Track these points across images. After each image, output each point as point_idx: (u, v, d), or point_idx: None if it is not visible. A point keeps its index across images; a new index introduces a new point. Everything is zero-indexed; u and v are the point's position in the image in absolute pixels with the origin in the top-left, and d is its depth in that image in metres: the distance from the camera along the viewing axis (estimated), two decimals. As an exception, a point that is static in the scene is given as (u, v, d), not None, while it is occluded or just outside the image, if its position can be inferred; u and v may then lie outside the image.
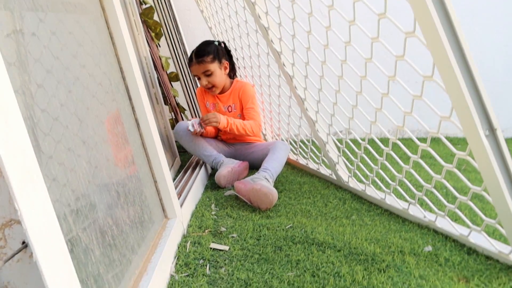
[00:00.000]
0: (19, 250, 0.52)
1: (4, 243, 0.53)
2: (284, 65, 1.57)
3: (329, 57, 1.25)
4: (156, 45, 2.57)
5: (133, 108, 1.17)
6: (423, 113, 1.14)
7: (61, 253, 0.52)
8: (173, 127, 2.46)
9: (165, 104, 2.40)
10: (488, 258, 1.00)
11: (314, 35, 1.25)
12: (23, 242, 0.53)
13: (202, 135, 1.96)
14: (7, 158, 0.46)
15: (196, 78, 2.00)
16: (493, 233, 1.14)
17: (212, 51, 1.89)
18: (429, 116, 1.35)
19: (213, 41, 1.95)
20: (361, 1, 0.92)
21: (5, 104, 0.48)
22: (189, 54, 2.65)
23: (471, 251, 1.05)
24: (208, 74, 1.90)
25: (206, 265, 1.01)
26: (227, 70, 1.97)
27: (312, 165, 1.92)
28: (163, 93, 2.40)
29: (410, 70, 0.98)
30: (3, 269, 0.53)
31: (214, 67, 1.90)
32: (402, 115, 1.06)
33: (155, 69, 2.31)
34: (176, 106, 2.55)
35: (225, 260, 1.04)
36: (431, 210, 1.30)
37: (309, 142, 1.88)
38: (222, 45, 1.98)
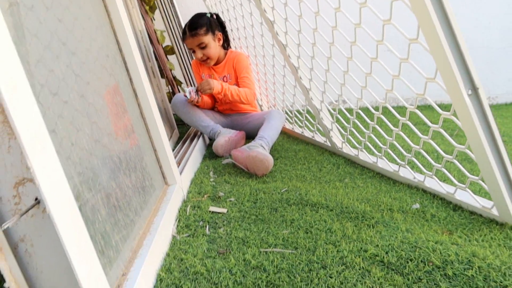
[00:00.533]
0: (33, 206, 0.57)
1: (18, 200, 0.58)
2: (277, 34, 1.59)
3: (320, 24, 1.27)
4: (151, 19, 2.56)
5: (130, 79, 1.20)
6: (410, 79, 1.17)
7: (71, 207, 0.57)
8: (170, 100, 2.49)
9: (161, 77, 2.42)
10: (472, 213, 1.06)
11: (305, 2, 1.27)
12: (36, 199, 0.58)
13: (199, 106, 1.99)
14: (19, 122, 0.50)
15: (191, 51, 2.01)
16: (478, 191, 1.19)
17: (205, 23, 1.90)
18: (417, 81, 1.38)
19: (206, 14, 1.96)
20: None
21: (13, 73, 0.52)
22: (183, 26, 2.65)
23: (457, 207, 1.11)
24: (202, 46, 1.92)
25: (205, 226, 1.07)
26: (221, 42, 1.99)
27: (307, 133, 1.96)
28: (159, 67, 2.42)
29: (396, 36, 1.01)
30: (19, 224, 0.58)
31: (208, 39, 1.91)
32: (391, 80, 1.09)
33: (150, 43, 2.32)
34: (172, 79, 2.57)
35: (223, 222, 1.09)
36: (421, 172, 1.35)
37: (303, 110, 1.91)
38: (215, 16, 1.98)
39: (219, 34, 1.97)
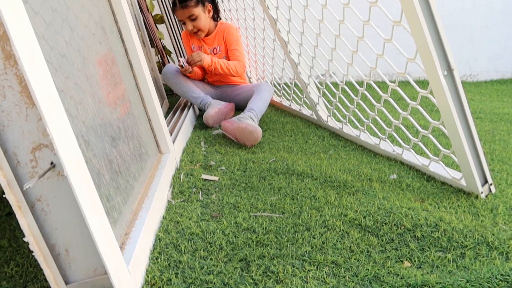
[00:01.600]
0: (49, 169, 0.63)
1: (35, 164, 0.64)
2: (268, 8, 1.62)
3: (311, 2, 1.32)
4: (140, -14, 2.54)
5: (126, 50, 1.24)
6: (394, 57, 1.24)
7: (83, 171, 0.63)
8: (160, 70, 2.51)
9: (151, 47, 2.43)
10: (443, 183, 1.17)
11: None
12: (51, 162, 0.64)
13: (189, 77, 2.03)
14: (38, 92, 0.56)
15: (181, 23, 2.03)
16: (451, 164, 1.30)
17: None
18: (401, 59, 1.45)
19: None
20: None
21: (31, 44, 0.57)
22: (173, -4, 2.64)
23: (430, 178, 1.21)
24: (193, 18, 1.94)
25: (198, 193, 1.15)
26: (211, 13, 2.02)
27: (295, 106, 2.03)
28: (149, 36, 2.42)
29: (382, 18, 1.07)
30: (36, 186, 0.65)
31: (198, 11, 1.93)
32: (376, 57, 1.16)
33: (140, 12, 2.32)
34: (162, 49, 2.58)
35: (215, 188, 1.17)
36: (400, 145, 1.45)
37: (292, 84, 1.98)
38: None
39: (209, 6, 1.99)
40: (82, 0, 0.96)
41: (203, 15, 1.96)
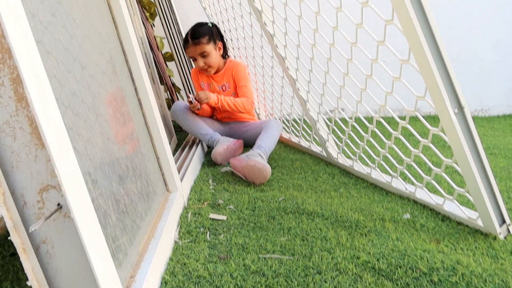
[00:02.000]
0: (56, 211, 0.64)
1: (42, 205, 0.64)
2: (277, 46, 1.67)
3: (318, 40, 1.35)
4: (151, 25, 2.64)
5: (136, 89, 1.27)
6: (404, 93, 1.26)
7: (90, 212, 0.63)
8: (169, 106, 2.56)
9: (160, 84, 2.49)
10: (459, 223, 1.14)
11: (304, 19, 1.35)
12: (58, 204, 0.64)
13: (198, 114, 2.07)
14: (48, 135, 0.57)
15: (191, 60, 2.09)
16: (466, 203, 1.27)
17: (207, 33, 1.98)
18: (409, 96, 1.47)
19: (207, 23, 2.04)
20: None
21: (43, 87, 0.59)
22: (183, 34, 2.72)
23: (445, 218, 1.18)
24: (204, 55, 2.00)
25: (206, 233, 1.14)
26: (221, 51, 2.07)
27: (304, 143, 2.04)
28: (158, 73, 2.49)
29: (391, 54, 1.09)
30: (42, 227, 0.65)
31: (209, 48, 1.99)
32: (385, 95, 1.17)
33: (150, 49, 2.39)
34: (171, 86, 2.64)
35: (223, 228, 1.16)
36: (412, 183, 1.43)
37: (300, 121, 1.99)
38: (214, 27, 2.07)
39: (219, 43, 2.05)
40: (93, 39, 0.99)
41: (214, 52, 2.02)
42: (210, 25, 2.04)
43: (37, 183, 0.64)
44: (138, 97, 1.28)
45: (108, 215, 0.81)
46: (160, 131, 1.31)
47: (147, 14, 2.53)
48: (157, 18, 2.64)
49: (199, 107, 1.97)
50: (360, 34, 1.11)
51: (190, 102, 1.94)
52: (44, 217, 0.62)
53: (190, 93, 2.67)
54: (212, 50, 2.01)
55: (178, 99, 2.66)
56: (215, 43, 2.02)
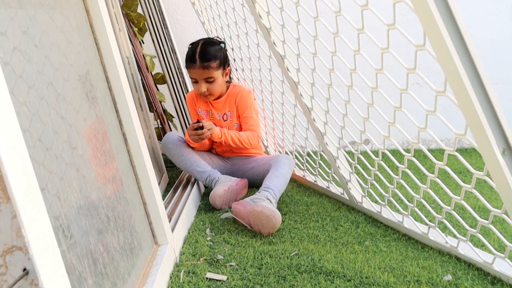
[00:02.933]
0: (21, 277, 0.64)
1: (5, 270, 0.65)
2: (288, 70, 1.70)
3: (337, 65, 1.38)
4: (140, 42, 2.70)
5: (120, 121, 1.29)
6: (437, 126, 1.27)
7: (62, 279, 0.64)
8: (159, 137, 2.58)
9: (150, 110, 2.52)
10: (512, 287, 1.12)
11: (320, 40, 1.38)
12: (24, 269, 0.64)
13: (194, 148, 2.09)
14: (15, 186, 0.58)
15: (191, 81, 2.11)
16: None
17: (219, 56, 2.01)
18: (445, 129, 1.48)
19: (218, 42, 2.08)
20: (369, 10, 1.05)
21: (12, 131, 0.61)
22: (177, 53, 2.78)
23: (496, 280, 1.16)
24: (210, 81, 2.03)
25: (202, 297, 1.13)
26: (227, 77, 2.11)
27: (321, 183, 2.04)
28: (147, 98, 2.53)
29: (422, 82, 1.11)
30: (4, 297, 0.65)
31: (218, 74, 2.03)
32: (416, 129, 1.18)
33: (138, 70, 2.44)
34: (162, 113, 2.68)
35: (223, 291, 1.15)
36: (454, 236, 1.41)
37: (317, 156, 2.00)
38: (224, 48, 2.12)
39: (228, 69, 2.09)
40: (71, 59, 1.02)
41: (220, 79, 2.06)
42: (223, 45, 2.09)
43: (0, 244, 0.65)
44: (122, 131, 1.30)
45: (84, 279, 0.81)
46: (148, 171, 1.32)
47: (135, 30, 2.60)
48: (147, 34, 2.71)
49: (208, 134, 1.96)
50: (386, 59, 1.14)
51: (198, 128, 1.93)
52: (7, 285, 0.62)
53: (185, 125, 2.70)
54: (220, 77, 2.05)
55: (170, 129, 2.69)
56: (224, 68, 2.06)
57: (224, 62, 2.06)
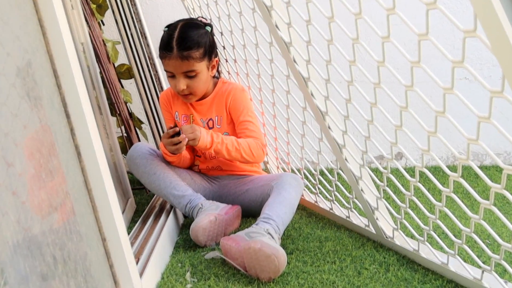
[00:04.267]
0: None
1: None
2: (295, 61, 1.70)
3: (360, 55, 1.38)
4: (99, 24, 2.71)
5: (72, 130, 1.29)
6: (492, 137, 1.27)
7: None
8: (124, 149, 2.57)
9: (112, 114, 2.51)
10: None
11: (338, 22, 1.39)
12: None
13: (170, 163, 2.08)
14: None
15: (166, 75, 2.08)
16: None
17: (203, 43, 2.01)
18: (501, 139, 1.48)
19: (203, 24, 2.08)
20: None
21: None
22: (148, 37, 2.77)
23: None
24: (191, 75, 2.01)
25: None
26: (214, 70, 2.11)
27: (339, 211, 2.04)
28: (108, 98, 2.52)
29: (472, 76, 1.11)
30: None
31: (201, 67, 2.01)
32: (465, 140, 1.18)
33: (97, 61, 2.44)
34: (128, 117, 2.68)
35: None
36: (515, 281, 1.41)
37: (333, 175, 2.00)
38: (211, 29, 2.12)
39: (215, 60, 2.09)
40: (8, 72, 1.02)
41: (205, 73, 2.05)
42: (209, 28, 2.09)
43: None
44: (75, 143, 1.30)
45: None
46: (109, 196, 1.32)
47: (93, 7, 2.61)
48: (109, 13, 2.71)
49: (185, 143, 1.90)
50: (425, 48, 1.14)
51: (178, 133, 1.88)
52: None
53: (158, 134, 2.70)
54: (204, 70, 2.04)
55: (138, 138, 2.69)
56: (210, 59, 2.06)
57: (210, 51, 2.06)
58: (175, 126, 1.94)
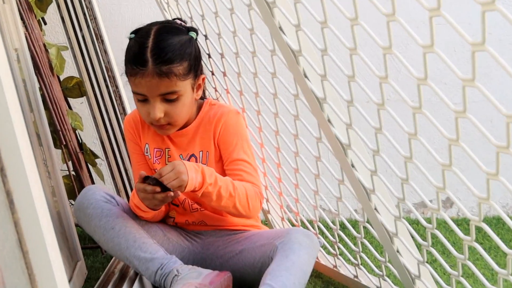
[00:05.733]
0: None
1: None
2: (305, 76, 1.71)
3: (393, 65, 1.39)
4: (39, 22, 2.72)
5: (2, 169, 1.30)
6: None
7: None
8: (71, 194, 2.56)
9: (55, 146, 2.50)
10: None
11: (362, 24, 1.40)
12: None
13: (137, 214, 2.05)
14: None
15: (133, 96, 2.03)
16: None
17: (188, 54, 1.99)
18: None
19: (183, 28, 2.07)
20: None
21: None
22: (105, 39, 2.78)
23: None
24: (171, 98, 1.97)
25: None
26: (201, 91, 2.11)
27: (366, 279, 2.04)
28: (51, 123, 2.51)
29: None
30: None
31: (185, 86, 1.98)
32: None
33: (35, 73, 2.43)
34: (77, 149, 2.67)
35: None
36: None
37: (359, 231, 2.00)
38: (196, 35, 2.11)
39: (201, 78, 2.08)
40: None
41: (189, 96, 2.02)
42: (194, 35, 2.08)
43: None
44: (6, 188, 1.30)
45: None
46: (52, 260, 1.32)
47: (32, 1, 2.62)
48: (53, 8, 2.73)
49: (167, 199, 1.88)
50: (482, 60, 1.16)
51: (163, 189, 1.80)
52: None
53: (118, 173, 2.70)
54: (188, 91, 2.00)
55: (92, 179, 2.69)
56: (196, 76, 2.04)
57: (196, 65, 2.04)
58: (147, 177, 1.85)
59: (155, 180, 1.82)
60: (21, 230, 1.29)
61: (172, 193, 1.83)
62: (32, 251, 1.29)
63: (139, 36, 2.01)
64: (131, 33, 2.06)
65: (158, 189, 1.82)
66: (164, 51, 1.94)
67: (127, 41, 2.05)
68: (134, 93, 2.00)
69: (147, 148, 2.21)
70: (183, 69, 1.96)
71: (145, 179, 1.84)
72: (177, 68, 1.95)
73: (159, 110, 1.96)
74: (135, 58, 1.95)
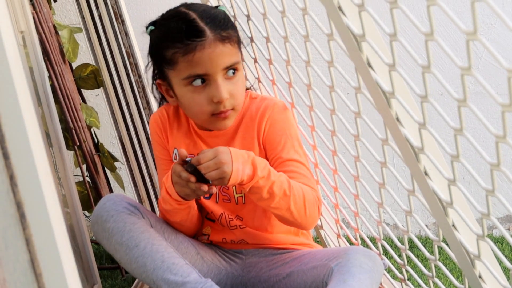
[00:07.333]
0: None
1: None
2: (370, 65, 1.71)
3: (477, 54, 1.39)
4: (48, 1, 2.75)
5: (12, 177, 1.32)
6: None
7: None
8: (86, 204, 2.58)
9: (67, 147, 2.52)
10: None
11: (439, 3, 1.40)
12: None
13: (173, 220, 2.06)
14: None
15: (184, 88, 2.00)
16: None
17: (235, 26, 2.06)
18: None
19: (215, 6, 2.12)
20: None
21: None
22: (126, 20, 2.79)
23: None
24: (233, 72, 1.98)
25: None
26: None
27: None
28: (62, 120, 2.53)
29: None
30: None
31: (240, 60, 2.05)
32: None
33: (44, 59, 2.45)
34: (92, 151, 2.69)
35: None
36: None
37: (431, 250, 2.00)
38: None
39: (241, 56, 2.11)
40: None
41: (243, 74, 2.07)
42: (224, 9, 2.09)
43: None
44: (16, 198, 1.33)
45: None
46: (70, 283, 1.34)
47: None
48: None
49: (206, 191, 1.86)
50: None
51: (194, 172, 1.80)
52: None
53: (143, 185, 2.71)
54: (242, 68, 2.06)
55: (110, 187, 2.71)
56: (241, 53, 2.08)
57: (239, 41, 2.07)
58: (187, 161, 1.84)
59: (193, 167, 1.82)
60: (33, 249, 1.31)
61: (206, 187, 1.81)
62: (47, 274, 1.31)
63: (171, 16, 2.02)
64: (149, 25, 2.07)
65: (193, 178, 1.81)
66: (216, 16, 1.97)
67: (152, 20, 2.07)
68: (190, 77, 1.95)
69: (175, 154, 2.12)
70: (237, 37, 2.02)
71: (184, 163, 1.84)
72: (234, 34, 2.00)
73: (225, 88, 1.95)
74: (187, 32, 1.93)
